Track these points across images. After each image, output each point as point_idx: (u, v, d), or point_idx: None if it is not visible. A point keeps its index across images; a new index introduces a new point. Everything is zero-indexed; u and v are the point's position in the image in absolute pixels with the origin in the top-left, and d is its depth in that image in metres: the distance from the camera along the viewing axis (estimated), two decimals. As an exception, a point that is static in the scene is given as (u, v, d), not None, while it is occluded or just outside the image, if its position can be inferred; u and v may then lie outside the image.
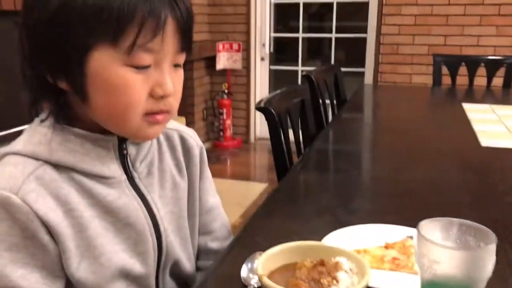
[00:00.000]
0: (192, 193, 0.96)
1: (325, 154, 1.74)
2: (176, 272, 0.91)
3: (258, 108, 1.55)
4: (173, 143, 0.93)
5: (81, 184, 0.76)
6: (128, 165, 0.82)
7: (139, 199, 0.83)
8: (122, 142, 0.81)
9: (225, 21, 4.71)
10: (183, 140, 0.95)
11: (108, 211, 0.78)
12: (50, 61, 0.73)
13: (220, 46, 4.53)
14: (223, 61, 4.57)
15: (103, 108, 0.75)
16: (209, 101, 4.84)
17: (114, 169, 0.80)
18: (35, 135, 0.76)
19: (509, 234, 1.00)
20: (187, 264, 0.93)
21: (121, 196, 0.80)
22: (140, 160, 0.85)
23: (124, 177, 0.81)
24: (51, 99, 0.76)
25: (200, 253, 1.01)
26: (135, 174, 0.83)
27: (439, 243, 0.62)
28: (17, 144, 0.76)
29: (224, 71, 4.69)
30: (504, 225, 1.04)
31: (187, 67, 4.25)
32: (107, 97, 0.74)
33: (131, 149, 0.83)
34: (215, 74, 4.75)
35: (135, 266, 0.81)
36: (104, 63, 0.72)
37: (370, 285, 0.76)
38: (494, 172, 1.42)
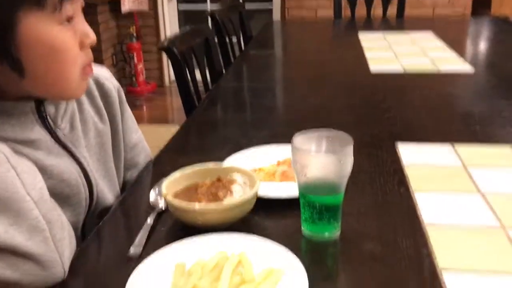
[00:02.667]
0: (115, 135, 1.01)
1: (230, 90, 1.84)
2: (104, 214, 0.98)
3: (161, 48, 1.59)
4: (90, 91, 0.95)
5: (13, 150, 0.77)
6: (49, 125, 0.83)
7: (68, 156, 0.85)
8: (39, 104, 0.81)
9: (127, -40, 4.52)
10: (99, 85, 0.98)
11: (41, 170, 0.79)
12: None
13: (123, -13, 4.37)
14: (128, 3, 4.43)
15: (43, 76, 0.76)
16: (118, 46, 4.71)
17: (37, 131, 0.81)
18: None
19: (383, 143, 1.17)
20: (114, 202, 1.00)
21: (50, 156, 0.81)
22: (60, 117, 0.85)
23: (48, 137, 0.82)
24: None
25: (127, 185, 1.08)
26: (59, 133, 0.85)
27: (305, 149, 0.75)
28: None
29: (130, 14, 4.56)
30: (379, 137, 1.21)
31: (90, 11, 4.08)
32: (46, 62, 0.74)
33: (50, 109, 0.83)
34: (121, 17, 4.61)
35: (65, 216, 0.84)
36: (36, 28, 0.72)
37: (262, 194, 0.89)
38: (378, 94, 1.60)
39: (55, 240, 0.72)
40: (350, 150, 0.76)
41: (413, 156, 1.10)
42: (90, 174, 0.90)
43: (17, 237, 0.68)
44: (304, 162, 0.75)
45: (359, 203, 0.90)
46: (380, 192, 0.95)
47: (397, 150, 1.13)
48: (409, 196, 0.93)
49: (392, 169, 1.04)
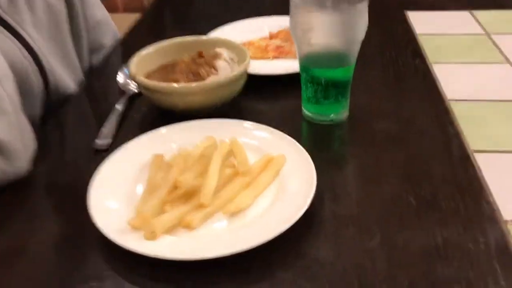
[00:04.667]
0: (73, 12, 0.83)
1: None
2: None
3: None
4: None
5: None
6: None
7: (9, 35, 0.70)
8: None
9: None
10: None
11: None
12: None
13: None
14: None
15: None
16: None
17: None
18: None
19: (391, 11, 1.00)
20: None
21: None
22: None
23: None
24: None
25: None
26: None
27: (311, 7, 0.59)
28: None
29: None
30: (386, 5, 1.04)
31: None
32: None
33: None
34: None
35: None
36: None
37: (253, 72, 0.75)
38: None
39: (20, 128, 0.59)
40: (364, 7, 0.60)
41: (426, 25, 0.94)
42: (42, 57, 0.74)
43: None
44: (307, 24, 0.59)
45: (369, 78, 0.76)
46: (392, 66, 0.80)
47: (407, 19, 0.97)
48: (426, 69, 0.79)
49: (404, 40, 0.88)
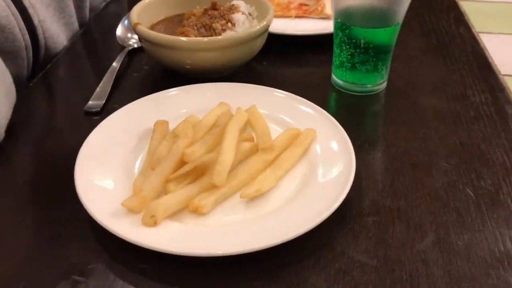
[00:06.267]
0: None
1: None
2: None
3: None
4: None
5: None
6: None
7: None
8: None
9: None
10: None
11: None
12: None
13: None
14: None
15: None
16: None
17: None
18: None
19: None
20: None
21: None
22: None
23: None
24: None
25: None
26: None
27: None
28: None
29: None
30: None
31: None
32: None
33: None
34: None
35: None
36: None
37: (275, 30, 0.64)
38: None
39: None
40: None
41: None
42: (32, 13, 0.62)
43: None
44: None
45: (407, 45, 0.65)
46: (434, 33, 0.70)
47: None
48: (472, 38, 0.68)
49: (445, 5, 0.78)
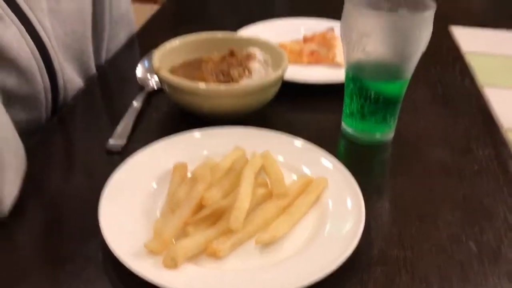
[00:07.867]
0: (99, 1, 0.74)
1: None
2: None
3: None
4: None
5: None
6: None
7: (21, 26, 0.59)
8: None
9: None
10: None
11: None
12: None
13: None
14: None
15: None
16: None
17: None
18: None
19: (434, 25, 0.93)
20: None
21: None
22: None
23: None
24: None
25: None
26: None
27: (371, 11, 0.52)
28: None
29: None
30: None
31: None
32: None
33: None
34: None
35: (17, 115, 0.59)
36: None
37: (286, 78, 0.67)
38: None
39: None
40: (430, 17, 0.52)
41: (475, 43, 0.87)
42: (52, 55, 0.63)
43: None
44: (364, 27, 0.51)
45: (413, 96, 0.68)
46: (440, 84, 0.73)
47: (451, 35, 0.90)
48: (477, 91, 0.71)
49: (451, 57, 0.81)
